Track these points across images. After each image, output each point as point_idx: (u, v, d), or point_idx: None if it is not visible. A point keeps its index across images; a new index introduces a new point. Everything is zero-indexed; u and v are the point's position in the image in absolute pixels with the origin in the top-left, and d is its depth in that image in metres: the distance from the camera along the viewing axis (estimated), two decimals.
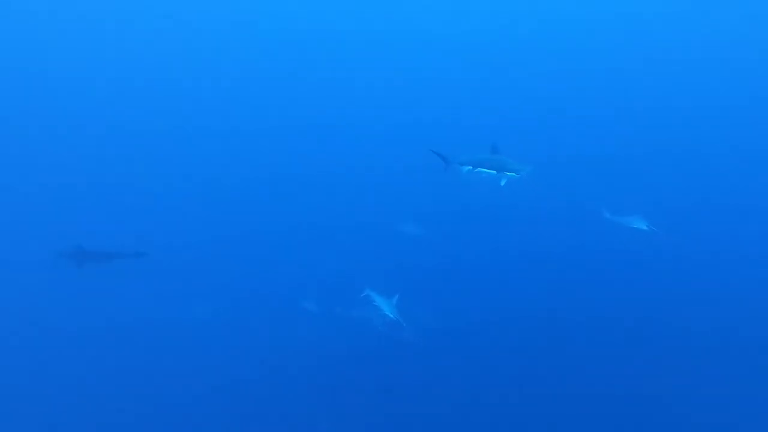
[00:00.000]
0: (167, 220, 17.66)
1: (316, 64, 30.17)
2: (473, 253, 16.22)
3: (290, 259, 16.17)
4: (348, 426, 10.87)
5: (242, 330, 13.43)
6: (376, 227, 16.99)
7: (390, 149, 22.30)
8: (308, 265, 15.70)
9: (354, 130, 23.76)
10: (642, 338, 12.51)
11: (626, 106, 23.88)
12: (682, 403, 10.77)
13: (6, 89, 24.04)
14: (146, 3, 32.40)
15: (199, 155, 21.69)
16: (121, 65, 27.43)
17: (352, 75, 29.24)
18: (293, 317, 13.44)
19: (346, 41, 31.77)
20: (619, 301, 13.57)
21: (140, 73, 27.03)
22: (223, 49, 30.05)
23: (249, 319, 13.70)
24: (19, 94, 24.02)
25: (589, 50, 29.27)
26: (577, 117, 23.50)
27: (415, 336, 11.79)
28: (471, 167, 10.59)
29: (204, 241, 16.81)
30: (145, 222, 17.19)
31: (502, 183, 10.41)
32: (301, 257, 16.17)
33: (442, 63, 29.86)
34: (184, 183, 19.73)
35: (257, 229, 17.60)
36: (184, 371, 12.04)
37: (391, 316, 10.90)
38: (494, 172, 10.23)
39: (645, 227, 12.84)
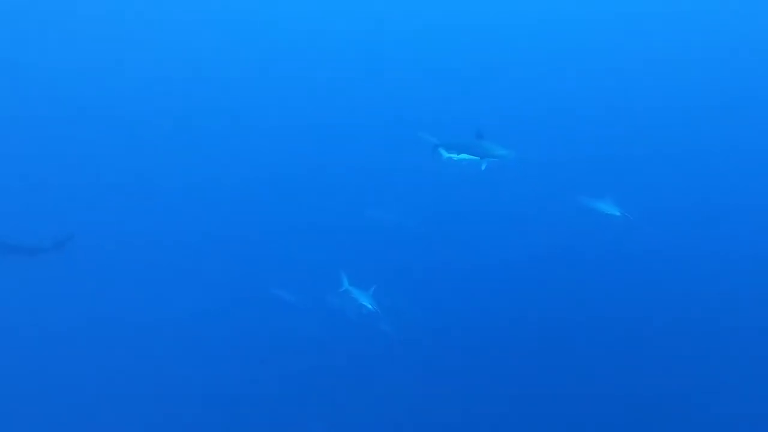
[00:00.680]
0: (150, 216, 17.42)
1: (293, 56, 29.72)
2: (455, 242, 16.30)
3: (266, 249, 16.12)
4: (329, 418, 10.83)
5: (220, 322, 13.47)
6: (356, 216, 16.86)
7: (371, 139, 22.26)
8: (286, 256, 15.63)
9: (335, 120, 23.54)
10: (628, 330, 12.73)
11: (613, 96, 23.98)
12: (673, 399, 11.03)
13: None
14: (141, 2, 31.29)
15: (179, 150, 21.45)
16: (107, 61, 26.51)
17: (331, 64, 28.91)
18: (270, 308, 13.46)
19: (326, 32, 31.26)
20: (605, 291, 13.88)
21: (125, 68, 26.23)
22: (205, 45, 29.25)
23: (226, 311, 13.75)
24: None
25: (577, 38, 29.19)
26: (562, 106, 23.61)
27: (392, 327, 11.76)
28: (456, 153, 10.49)
29: (185, 235, 16.65)
30: (127, 218, 17.02)
31: (483, 167, 10.39)
32: (278, 247, 16.08)
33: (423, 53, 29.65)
34: (162, 179, 19.57)
35: (239, 222, 17.46)
36: (168, 367, 12.16)
37: (369, 307, 10.82)
38: (478, 157, 10.16)
39: (618, 213, 12.92)
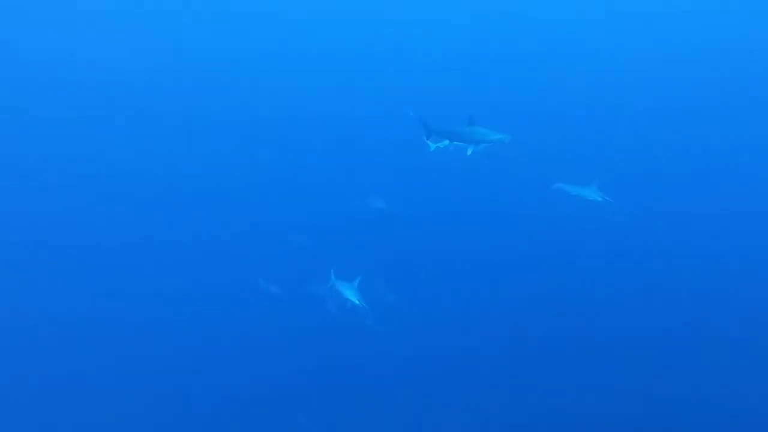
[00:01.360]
0: (137, 214, 17.30)
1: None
2: (445, 230, 16.23)
3: (255, 241, 16.02)
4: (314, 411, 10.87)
5: (208, 316, 13.45)
6: (346, 204, 16.72)
7: (361, 128, 22.08)
8: (275, 247, 15.56)
9: (323, 110, 23.35)
10: (619, 322, 12.75)
11: (606, 87, 23.84)
12: (667, 394, 11.06)
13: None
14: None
15: (163, 145, 21.24)
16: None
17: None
18: (255, 300, 13.45)
19: (316, 22, 30.94)
20: (596, 281, 13.91)
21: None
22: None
23: (215, 306, 13.71)
24: None
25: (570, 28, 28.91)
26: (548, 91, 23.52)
27: (376, 321, 11.75)
28: (448, 140, 10.41)
29: (173, 229, 16.55)
30: (115, 216, 16.87)
31: (469, 152, 10.35)
32: (266, 238, 15.99)
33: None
34: (148, 176, 19.30)
35: (228, 214, 17.27)
36: (155, 362, 12.13)
37: (355, 301, 10.83)
38: (473, 143, 10.08)
39: (599, 198, 12.96)
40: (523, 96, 22.69)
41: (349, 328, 11.94)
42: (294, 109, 23.19)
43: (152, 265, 15.14)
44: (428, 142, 11.60)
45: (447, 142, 10.74)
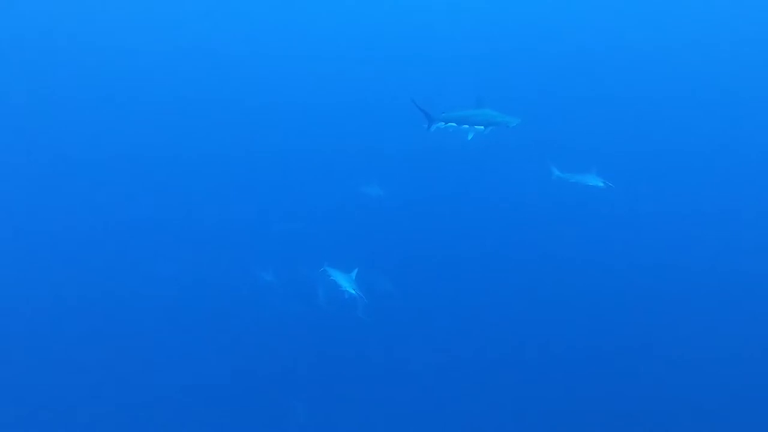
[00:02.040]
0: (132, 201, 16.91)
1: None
2: (441, 218, 15.94)
3: (250, 229, 15.77)
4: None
5: (198, 302, 13.22)
6: (342, 192, 16.47)
7: (357, 114, 21.75)
8: (270, 235, 15.35)
9: (319, 97, 22.96)
10: (612, 313, 12.67)
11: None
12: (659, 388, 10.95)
13: None
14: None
15: (155, 132, 20.70)
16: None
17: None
18: (250, 288, 13.23)
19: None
20: (591, 273, 13.71)
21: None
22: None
23: (206, 292, 13.43)
24: None
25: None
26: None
27: (367, 312, 11.39)
28: (456, 123, 10.04)
29: (169, 217, 16.20)
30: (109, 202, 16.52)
31: (470, 137, 10.06)
32: (262, 226, 15.78)
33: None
34: (143, 161, 18.95)
35: (224, 202, 16.95)
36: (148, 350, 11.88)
37: (352, 292, 10.41)
38: (480, 126, 9.73)
39: (601, 184, 12.68)
40: (520, 84, 22.40)
41: (343, 317, 11.64)
42: (293, 94, 22.87)
43: (141, 253, 14.82)
44: (427, 123, 11.44)
45: (447, 124, 10.47)
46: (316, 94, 22.90)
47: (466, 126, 9.99)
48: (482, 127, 9.70)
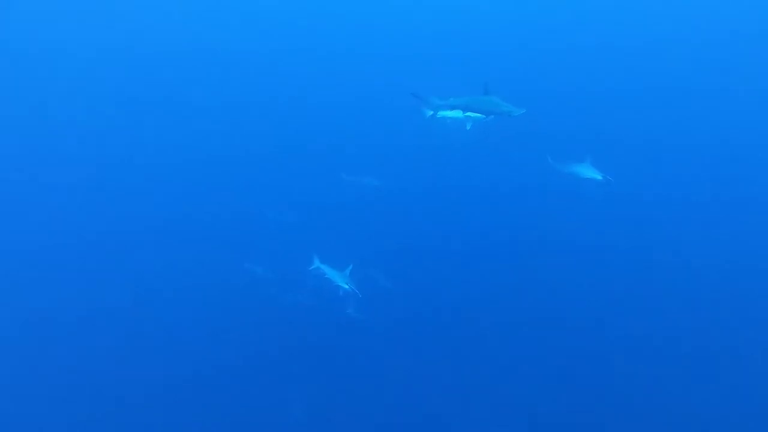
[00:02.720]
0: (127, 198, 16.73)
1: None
2: (439, 210, 15.77)
3: (241, 217, 15.56)
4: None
5: (191, 297, 13.04)
6: (338, 181, 16.23)
7: (350, 104, 21.53)
8: (259, 223, 15.12)
9: (312, 87, 22.75)
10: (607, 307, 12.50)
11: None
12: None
13: None
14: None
15: (147, 127, 20.65)
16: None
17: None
18: (241, 280, 13.06)
19: None
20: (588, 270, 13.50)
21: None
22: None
23: (196, 284, 13.25)
24: None
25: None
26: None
27: (358, 310, 11.28)
28: (461, 110, 9.83)
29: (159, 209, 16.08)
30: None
31: (468, 127, 9.89)
32: (255, 216, 15.50)
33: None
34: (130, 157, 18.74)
35: (216, 193, 16.86)
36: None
37: (346, 287, 10.29)
38: (484, 113, 9.52)
39: (600, 177, 12.47)
40: (517, 76, 22.20)
41: (337, 313, 11.56)
42: (290, 86, 22.69)
43: (137, 247, 14.73)
44: (426, 110, 11.21)
45: (452, 110, 10.33)
46: (314, 86, 22.77)
47: (471, 113, 9.79)
48: (486, 115, 9.47)
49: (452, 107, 9.94)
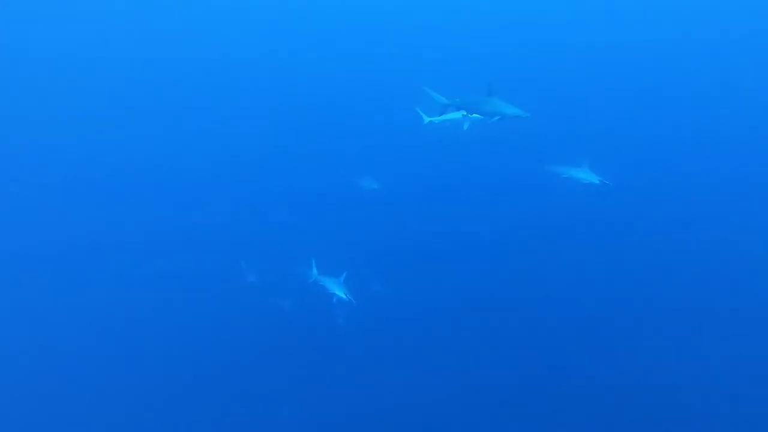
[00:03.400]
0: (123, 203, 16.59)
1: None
2: (437, 213, 15.63)
3: (238, 221, 15.51)
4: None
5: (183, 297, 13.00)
6: (338, 184, 16.22)
7: (352, 106, 21.50)
8: (255, 226, 15.06)
9: (312, 91, 22.59)
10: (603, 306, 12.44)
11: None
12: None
13: None
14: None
15: (146, 134, 20.57)
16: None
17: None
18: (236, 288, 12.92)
19: None
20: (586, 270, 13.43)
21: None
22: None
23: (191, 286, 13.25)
24: None
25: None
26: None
27: (348, 320, 11.10)
28: (466, 110, 9.66)
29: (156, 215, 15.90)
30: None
31: (465, 127, 9.75)
32: (253, 222, 15.47)
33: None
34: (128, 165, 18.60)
35: (215, 195, 16.80)
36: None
37: (342, 296, 10.07)
38: (487, 115, 9.33)
39: (597, 181, 12.31)
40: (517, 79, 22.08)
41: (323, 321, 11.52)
42: (290, 89, 22.68)
43: (129, 247, 14.67)
44: (423, 115, 11.51)
45: (453, 112, 10.16)
46: (312, 87, 22.78)
47: (476, 115, 9.62)
48: (492, 117, 9.27)
49: (458, 108, 9.79)
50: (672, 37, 25.27)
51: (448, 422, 10.43)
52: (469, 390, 10.85)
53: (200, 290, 13.24)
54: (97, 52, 24.96)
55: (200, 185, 17.45)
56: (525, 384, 10.91)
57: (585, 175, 12.58)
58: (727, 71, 22.55)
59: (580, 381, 10.83)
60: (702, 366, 10.85)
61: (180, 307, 12.96)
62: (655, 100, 20.93)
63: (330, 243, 12.65)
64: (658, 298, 12.64)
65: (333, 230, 14.48)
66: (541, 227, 14.70)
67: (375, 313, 11.60)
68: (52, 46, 25.08)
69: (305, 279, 11.18)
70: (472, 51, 25.07)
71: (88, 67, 24.13)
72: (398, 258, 13.92)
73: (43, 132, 20.01)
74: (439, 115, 10.18)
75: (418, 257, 14.05)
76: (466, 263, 13.81)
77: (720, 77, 22.09)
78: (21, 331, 12.14)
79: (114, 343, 11.97)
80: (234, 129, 20.25)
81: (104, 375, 11.19)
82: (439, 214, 15.72)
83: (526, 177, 15.20)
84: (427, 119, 11.45)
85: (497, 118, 9.26)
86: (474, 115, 9.67)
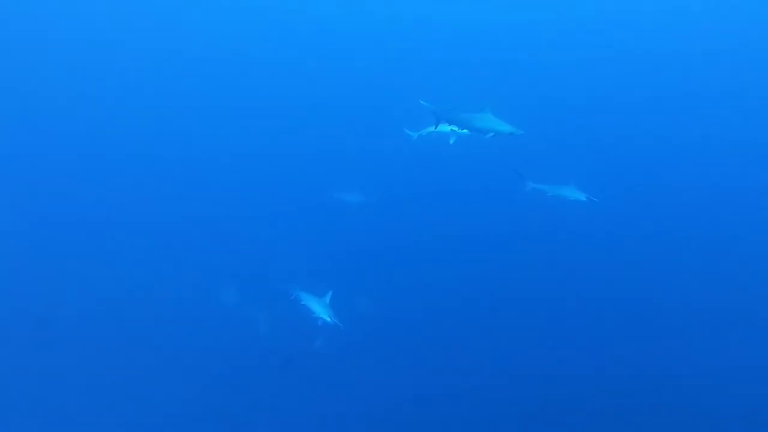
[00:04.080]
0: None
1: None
2: (423, 227, 15.40)
3: (227, 235, 15.02)
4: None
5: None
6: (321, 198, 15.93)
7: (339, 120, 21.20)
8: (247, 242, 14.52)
9: (301, 101, 22.30)
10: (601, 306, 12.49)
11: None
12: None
13: None
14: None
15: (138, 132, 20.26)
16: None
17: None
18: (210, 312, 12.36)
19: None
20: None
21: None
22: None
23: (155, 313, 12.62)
24: None
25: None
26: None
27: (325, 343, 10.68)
28: (457, 125, 9.44)
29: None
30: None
31: (451, 141, 9.57)
32: (240, 233, 14.98)
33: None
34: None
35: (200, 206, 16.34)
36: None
37: (327, 319, 9.61)
38: (480, 132, 9.10)
39: (584, 198, 12.22)
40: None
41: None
42: (280, 98, 22.27)
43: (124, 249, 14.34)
44: (408, 131, 11.47)
45: (432, 128, 10.16)
46: (301, 98, 22.47)
47: (466, 130, 9.43)
48: (485, 134, 9.04)
49: (451, 122, 9.58)
50: (662, 49, 25.69)
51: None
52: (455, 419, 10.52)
53: (183, 298, 12.80)
54: (98, 52, 24.70)
55: (186, 196, 17.08)
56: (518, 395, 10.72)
57: (572, 193, 12.51)
58: (718, 82, 22.98)
59: (580, 381, 10.77)
60: (702, 366, 10.86)
61: (154, 329, 12.36)
62: (646, 108, 21.22)
63: (316, 258, 12.39)
64: (657, 298, 12.75)
65: (317, 244, 14.16)
66: (532, 240, 14.62)
67: (362, 334, 11.20)
68: (53, 46, 24.80)
69: (287, 297, 10.70)
70: (463, 60, 25.17)
71: (88, 68, 23.93)
72: (384, 272, 13.67)
73: (43, 132, 19.79)
74: (434, 128, 10.02)
75: (406, 270, 13.79)
76: (456, 277, 13.59)
77: (711, 88, 22.51)
78: (21, 331, 11.85)
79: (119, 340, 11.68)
80: (221, 142, 19.85)
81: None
82: (426, 226, 15.50)
83: (516, 189, 15.14)
84: (415, 135, 11.31)
85: (491, 134, 9.06)
86: (464, 131, 9.48)
